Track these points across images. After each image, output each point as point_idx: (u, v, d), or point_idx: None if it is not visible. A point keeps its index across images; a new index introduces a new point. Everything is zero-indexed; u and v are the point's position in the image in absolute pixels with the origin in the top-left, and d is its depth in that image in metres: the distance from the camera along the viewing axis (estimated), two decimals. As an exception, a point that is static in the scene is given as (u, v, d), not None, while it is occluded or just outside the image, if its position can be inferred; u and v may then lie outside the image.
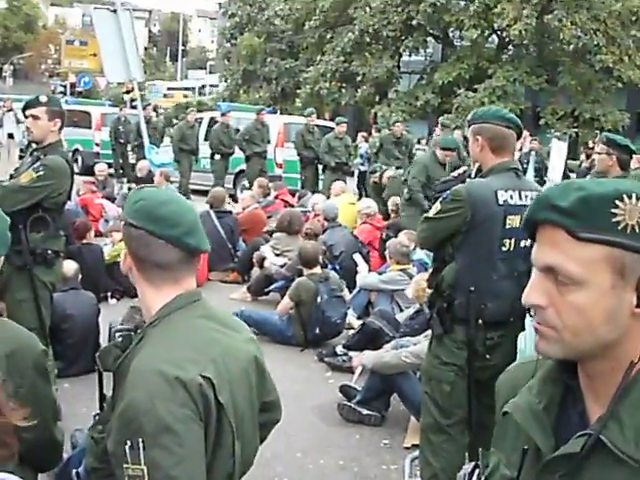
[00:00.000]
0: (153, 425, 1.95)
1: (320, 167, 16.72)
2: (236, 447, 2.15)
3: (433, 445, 4.19)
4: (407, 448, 5.71)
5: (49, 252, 5.34)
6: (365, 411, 6.17)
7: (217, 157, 17.86)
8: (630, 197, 1.43)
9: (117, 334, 2.21)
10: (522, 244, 4.05)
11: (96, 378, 2.35)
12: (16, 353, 2.40)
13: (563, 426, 1.58)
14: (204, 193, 14.69)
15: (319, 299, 8.01)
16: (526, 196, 4.09)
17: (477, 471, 1.75)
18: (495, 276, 4.05)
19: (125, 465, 1.97)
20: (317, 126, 17.38)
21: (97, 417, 2.32)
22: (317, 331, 8.06)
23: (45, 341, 5.44)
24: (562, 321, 1.48)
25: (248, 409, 2.26)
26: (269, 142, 17.89)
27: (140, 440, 1.95)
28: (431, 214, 4.17)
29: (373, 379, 6.23)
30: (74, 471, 2.34)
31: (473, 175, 4.28)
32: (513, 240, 4.06)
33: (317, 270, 8.29)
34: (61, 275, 5.74)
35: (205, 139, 18.77)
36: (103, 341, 7.19)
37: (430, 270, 4.52)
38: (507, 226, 4.03)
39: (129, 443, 1.96)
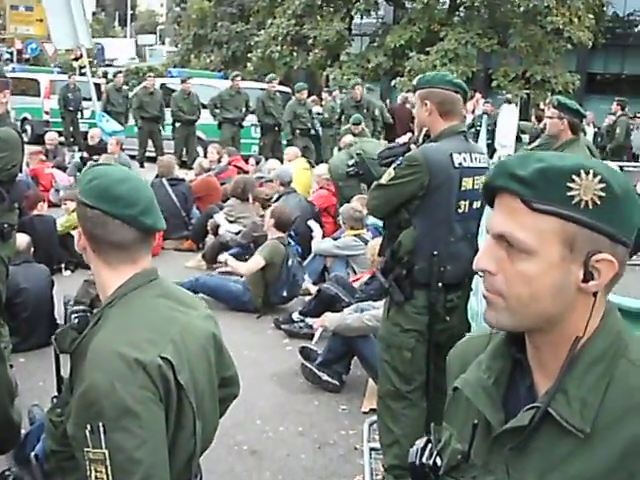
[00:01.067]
0: (113, 408, 1.93)
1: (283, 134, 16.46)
2: (197, 426, 2.14)
3: (393, 412, 4.22)
4: (365, 413, 5.76)
5: (5, 226, 5.23)
6: (325, 377, 6.21)
7: (177, 125, 17.69)
8: (587, 173, 1.43)
9: (73, 315, 2.17)
10: (475, 206, 4.09)
11: (52, 358, 2.30)
12: None
13: (512, 400, 1.60)
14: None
15: (290, 262, 8.08)
16: (476, 158, 4.13)
17: (429, 446, 1.76)
18: (453, 238, 4.07)
19: (86, 449, 1.95)
20: (279, 92, 17.23)
21: (55, 400, 2.28)
22: (284, 293, 8.13)
23: (2, 317, 5.37)
24: (509, 289, 1.50)
25: (208, 387, 2.25)
26: (246, 110, 17.50)
27: (101, 424, 1.92)
28: (384, 181, 4.13)
29: (335, 341, 6.27)
30: (32, 454, 2.30)
31: (420, 141, 4.26)
32: (468, 202, 4.09)
33: (283, 234, 8.32)
34: (15, 248, 5.64)
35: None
36: (58, 314, 7.12)
37: (374, 243, 4.51)
38: (462, 188, 4.06)
39: (89, 427, 1.93)
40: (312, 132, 16.20)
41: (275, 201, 9.75)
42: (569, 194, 1.44)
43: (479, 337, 1.78)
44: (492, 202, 1.55)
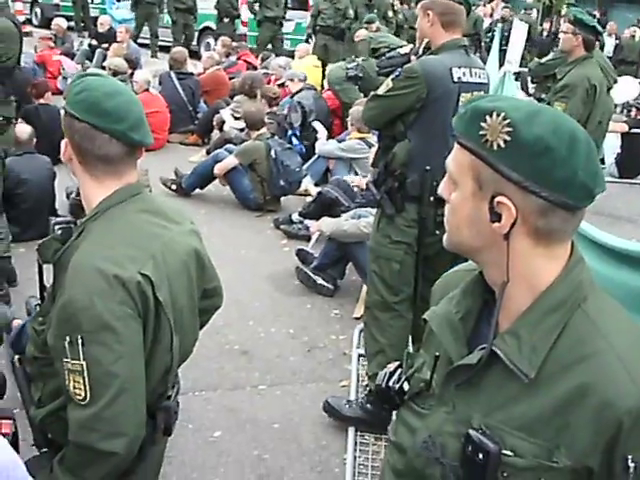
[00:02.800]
0: (92, 322, 1.98)
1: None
2: (174, 341, 2.20)
3: (380, 322, 4.30)
4: (357, 318, 5.86)
5: (0, 118, 5.22)
6: (319, 280, 6.30)
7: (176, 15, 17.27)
8: (498, 115, 1.49)
9: (57, 227, 2.21)
10: None
11: (36, 267, 2.35)
12: None
13: (476, 338, 1.66)
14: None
15: (273, 153, 8.11)
16: (476, 74, 4.08)
17: (399, 371, 1.84)
18: (447, 153, 4.04)
19: (65, 359, 2.02)
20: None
21: (38, 307, 2.34)
22: (282, 183, 8.19)
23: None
24: (446, 215, 1.65)
25: (187, 302, 2.30)
26: (286, 6, 16.62)
27: (79, 336, 1.98)
28: (381, 92, 4.08)
29: (330, 246, 6.34)
30: (16, 357, 2.38)
31: (420, 52, 4.19)
32: None
33: (263, 131, 8.37)
34: (13, 140, 5.63)
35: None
36: (59, 205, 7.19)
37: (375, 149, 4.50)
38: (460, 103, 4.01)
39: (68, 339, 1.99)
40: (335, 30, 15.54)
41: (294, 95, 9.70)
42: (480, 133, 1.52)
43: (465, 271, 1.83)
44: None
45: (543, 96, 8.17)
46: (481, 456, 1.54)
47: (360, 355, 5.26)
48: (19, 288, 5.82)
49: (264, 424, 4.54)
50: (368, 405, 4.42)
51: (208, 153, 9.57)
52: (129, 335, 2.04)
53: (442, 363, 1.69)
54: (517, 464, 1.53)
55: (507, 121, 1.47)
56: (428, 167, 3.99)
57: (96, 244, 2.09)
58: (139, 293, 2.05)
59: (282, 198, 8.47)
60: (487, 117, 1.50)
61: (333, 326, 5.80)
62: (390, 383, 1.83)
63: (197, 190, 8.55)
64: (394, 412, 1.88)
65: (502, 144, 1.48)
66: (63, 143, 2.23)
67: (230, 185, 8.38)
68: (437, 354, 1.69)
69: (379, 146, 4.36)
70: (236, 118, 9.91)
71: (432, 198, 4.05)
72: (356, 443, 4.37)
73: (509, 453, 1.54)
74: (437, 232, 4.12)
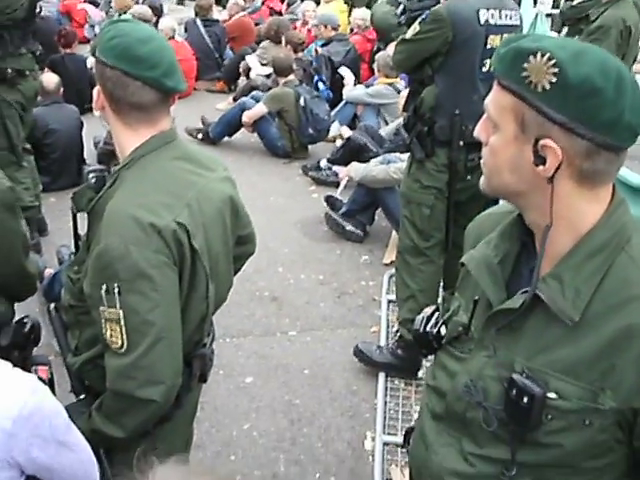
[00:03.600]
0: (128, 271, 1.98)
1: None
2: (210, 289, 2.20)
3: (411, 267, 4.30)
4: (386, 264, 5.87)
5: (9, 71, 5.16)
6: (349, 226, 6.29)
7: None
8: (543, 56, 1.44)
9: (90, 175, 2.19)
10: None
11: (70, 219, 2.35)
12: None
13: (515, 282, 1.65)
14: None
15: (302, 101, 8.04)
16: (507, 15, 3.99)
17: (436, 315, 1.84)
18: (475, 97, 3.99)
19: (101, 307, 2.02)
20: None
21: (72, 256, 2.34)
22: (310, 131, 8.15)
23: (18, 160, 5.40)
24: (485, 158, 1.61)
25: (222, 249, 2.29)
26: None
27: (116, 285, 1.98)
28: (409, 36, 4.03)
29: (359, 192, 6.31)
30: (52, 305, 2.39)
31: None
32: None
33: (291, 77, 8.30)
34: (34, 93, 5.59)
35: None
36: (87, 155, 7.20)
37: (403, 94, 4.44)
38: (488, 46, 3.94)
39: (105, 287, 1.99)
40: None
41: (323, 46, 9.59)
42: (523, 74, 1.47)
43: (499, 213, 1.81)
44: None
45: (575, 39, 8.01)
46: (526, 400, 1.54)
47: (390, 301, 5.27)
48: (50, 237, 5.86)
49: (295, 370, 4.58)
50: (399, 351, 4.45)
51: (235, 100, 9.52)
52: (165, 283, 2.04)
53: (481, 307, 1.68)
54: (561, 407, 1.54)
55: (552, 61, 1.43)
56: (457, 111, 3.96)
57: (131, 192, 2.08)
58: (175, 241, 2.04)
59: (310, 146, 8.43)
60: (531, 57, 1.45)
61: (362, 272, 5.81)
62: (428, 327, 1.83)
63: (225, 138, 8.52)
64: (429, 357, 1.89)
65: (547, 86, 1.44)
66: (95, 91, 2.19)
67: (258, 133, 8.35)
68: (476, 298, 1.68)
69: (409, 90, 4.31)
70: (262, 64, 9.84)
71: (462, 143, 4.02)
72: (386, 388, 4.41)
73: (553, 396, 1.54)
74: (468, 177, 4.10)
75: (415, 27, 3.97)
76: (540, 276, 1.57)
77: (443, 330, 1.81)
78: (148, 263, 1.99)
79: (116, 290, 1.98)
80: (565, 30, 8.46)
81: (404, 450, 3.87)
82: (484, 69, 3.96)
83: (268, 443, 3.97)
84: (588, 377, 1.52)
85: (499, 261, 1.66)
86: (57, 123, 6.60)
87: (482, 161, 1.62)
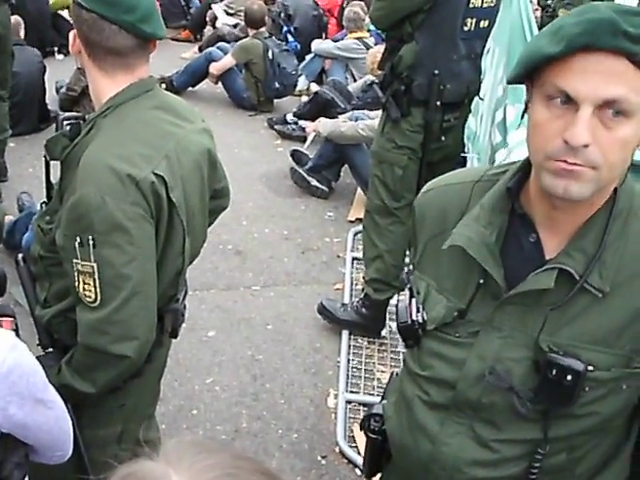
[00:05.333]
0: (104, 223, 1.91)
1: None
2: (186, 243, 2.15)
3: (379, 227, 4.25)
4: (351, 222, 5.86)
5: None
6: (314, 182, 6.23)
7: None
8: None
9: (65, 122, 2.11)
10: (482, 25, 3.94)
11: (42, 164, 2.26)
12: None
13: (512, 254, 1.58)
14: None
15: (270, 54, 7.93)
16: None
17: (414, 301, 1.73)
18: (455, 56, 3.94)
19: (75, 260, 1.95)
20: None
21: (44, 206, 2.26)
22: (277, 85, 8.05)
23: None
24: (605, 158, 1.38)
25: (199, 203, 2.23)
26: None
27: (90, 237, 1.91)
28: None
29: (326, 147, 6.24)
30: (20, 255, 2.30)
31: None
32: (475, 20, 3.92)
33: (262, 30, 8.17)
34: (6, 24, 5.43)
35: None
36: (49, 100, 7.03)
37: (372, 51, 4.36)
38: (471, 5, 3.88)
39: (79, 239, 1.93)
40: None
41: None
42: None
43: (459, 184, 1.72)
44: (542, 64, 1.41)
45: (549, 2, 7.96)
46: (570, 377, 1.50)
47: (354, 258, 5.25)
48: (9, 184, 5.73)
49: (258, 325, 4.56)
50: (363, 309, 4.43)
51: (200, 50, 9.37)
52: (142, 237, 1.97)
53: (486, 289, 1.60)
54: (599, 377, 1.51)
55: None
56: (436, 71, 3.90)
57: (108, 141, 2.00)
58: (153, 194, 1.97)
59: (275, 99, 8.32)
60: None
61: (327, 228, 5.77)
62: (414, 317, 1.71)
63: (189, 88, 8.38)
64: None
65: None
66: (71, 35, 2.10)
67: (223, 84, 8.23)
68: (481, 281, 1.60)
69: (385, 47, 4.23)
70: (229, 14, 9.68)
71: (439, 103, 3.97)
72: (349, 346, 4.41)
73: (590, 368, 1.51)
74: (443, 138, 4.06)
75: None
76: (553, 248, 1.54)
77: (425, 316, 1.70)
78: (125, 215, 1.92)
79: (91, 242, 1.91)
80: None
81: (366, 409, 3.89)
82: (465, 28, 3.90)
83: (231, 398, 3.95)
84: (619, 344, 1.50)
85: (495, 239, 1.58)
86: (18, 66, 6.34)
87: (591, 166, 1.39)
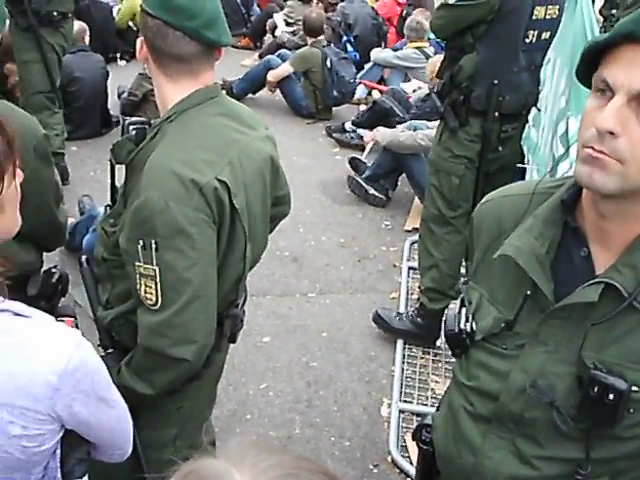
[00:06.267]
0: (167, 227, 1.94)
1: None
2: (247, 249, 2.17)
3: (435, 236, 4.25)
4: (408, 231, 5.84)
5: (54, 14, 5.17)
6: (372, 190, 6.24)
7: None
8: None
9: (131, 127, 2.15)
10: (543, 36, 3.92)
11: (108, 167, 2.31)
12: (17, 138, 2.33)
13: (563, 268, 1.56)
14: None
15: (328, 62, 7.95)
16: None
17: (464, 310, 1.73)
18: (516, 68, 3.93)
19: (137, 263, 1.99)
20: None
21: (108, 209, 2.30)
22: (335, 93, 8.07)
23: (59, 104, 5.43)
24: (633, 153, 1.36)
25: (261, 209, 2.25)
26: None
27: (153, 241, 1.94)
28: (452, 1, 3.90)
29: (385, 156, 6.25)
30: (84, 257, 2.35)
31: None
32: (536, 32, 3.90)
33: (320, 38, 8.18)
34: (72, 36, 5.60)
35: None
36: (111, 105, 7.15)
37: (441, 60, 4.35)
38: (534, 17, 3.86)
39: (142, 242, 1.96)
40: None
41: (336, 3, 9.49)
42: None
43: (516, 196, 1.71)
44: (597, 55, 1.41)
45: (613, 11, 7.86)
46: (612, 396, 1.47)
47: (410, 268, 5.24)
48: (71, 187, 5.83)
49: (313, 332, 4.57)
50: (418, 319, 4.42)
51: (260, 57, 9.45)
52: (204, 241, 2.00)
53: (533, 301, 1.59)
54: None
55: None
56: (495, 81, 3.89)
57: (173, 147, 2.03)
58: (215, 199, 1.99)
59: (334, 107, 8.35)
60: None
61: (384, 237, 5.77)
62: (461, 325, 1.71)
63: (248, 95, 8.45)
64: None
65: None
66: (138, 41, 2.15)
67: (282, 92, 8.28)
68: (528, 292, 1.58)
69: (445, 57, 4.23)
70: (288, 23, 9.75)
71: (497, 114, 3.96)
72: (404, 356, 4.40)
73: (635, 389, 1.47)
74: (500, 149, 4.04)
75: None
76: (603, 263, 1.51)
77: (474, 325, 1.70)
78: (187, 220, 1.95)
79: (153, 246, 1.95)
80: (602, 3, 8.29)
81: (420, 418, 3.87)
82: (527, 40, 3.87)
83: (284, 404, 3.97)
84: None
85: (546, 251, 1.56)
86: (82, 71, 6.53)
87: (617, 158, 1.37)
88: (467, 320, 1.70)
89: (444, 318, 1.77)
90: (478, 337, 1.68)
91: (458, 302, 1.76)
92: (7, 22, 2.48)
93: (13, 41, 5.05)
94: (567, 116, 3.39)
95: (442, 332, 4.38)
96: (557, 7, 3.85)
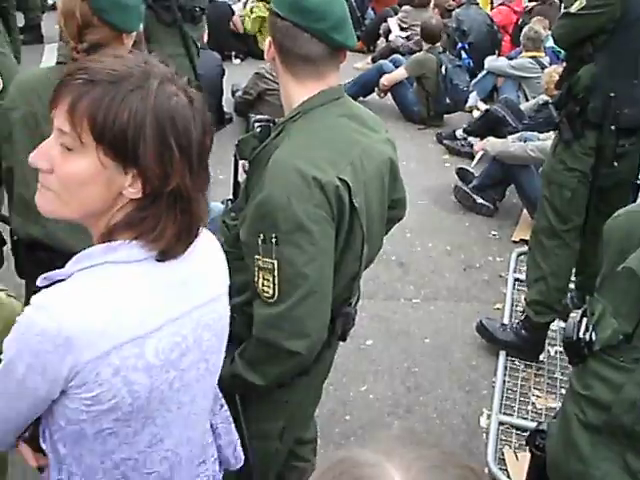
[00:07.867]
0: (287, 222, 1.99)
1: None
2: (364, 248, 2.20)
3: (545, 249, 4.20)
4: (515, 242, 5.78)
5: (197, 9, 5.33)
6: (479, 199, 6.20)
7: None
8: None
9: (256, 124, 2.20)
10: None
11: (232, 164, 2.37)
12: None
13: None
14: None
15: (443, 69, 7.94)
16: None
17: (585, 320, 1.74)
18: (636, 81, 3.84)
19: (256, 256, 2.04)
20: None
21: (229, 203, 2.36)
22: (447, 101, 8.06)
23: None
24: None
25: (378, 210, 2.28)
26: None
27: (273, 235, 1.99)
28: (574, 9, 3.84)
29: (494, 167, 6.20)
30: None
31: None
32: None
33: (437, 45, 8.17)
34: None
35: None
36: (225, 102, 7.28)
37: (561, 69, 4.29)
38: None
39: (262, 236, 2.01)
40: None
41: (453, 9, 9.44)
42: None
43: None
44: None
45: None
46: None
47: (516, 279, 5.19)
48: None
49: (416, 337, 4.58)
50: (523, 331, 4.38)
51: (373, 61, 9.47)
52: (323, 238, 2.04)
53: None
54: None
55: None
56: (612, 94, 3.81)
57: (297, 145, 2.08)
58: (336, 197, 2.03)
59: (445, 114, 8.32)
60: None
61: (490, 247, 5.73)
62: (580, 334, 1.73)
63: (360, 98, 8.49)
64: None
65: None
66: (266, 41, 2.21)
67: (394, 96, 8.31)
68: None
69: (565, 67, 4.17)
70: (402, 28, 9.75)
71: (613, 127, 3.88)
72: (506, 367, 4.36)
73: None
74: (615, 164, 3.95)
75: (581, 1, 3.81)
76: None
77: (594, 336, 1.71)
78: (308, 217, 1.99)
79: (273, 240, 1.99)
80: None
81: (519, 432, 3.83)
82: None
83: (384, 407, 3.98)
84: None
85: None
86: (201, 68, 6.61)
87: None
88: (587, 330, 1.69)
89: (564, 325, 1.78)
90: (596, 347, 1.67)
91: (580, 312, 1.76)
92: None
93: (153, 36, 5.16)
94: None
95: (548, 347, 4.35)
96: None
